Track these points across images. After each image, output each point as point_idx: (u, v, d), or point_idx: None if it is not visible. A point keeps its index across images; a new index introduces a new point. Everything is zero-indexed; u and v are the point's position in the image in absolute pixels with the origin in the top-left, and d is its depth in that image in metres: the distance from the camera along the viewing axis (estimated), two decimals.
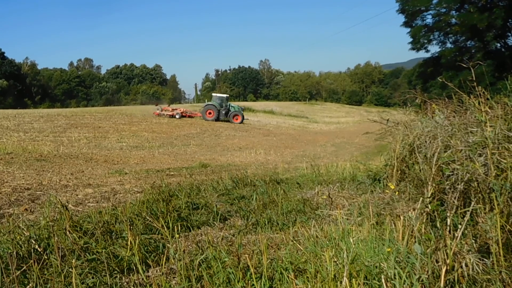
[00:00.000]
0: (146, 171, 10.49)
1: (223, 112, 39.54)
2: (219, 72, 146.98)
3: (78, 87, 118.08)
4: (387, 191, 5.06)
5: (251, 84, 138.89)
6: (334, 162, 11.76)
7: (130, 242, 3.30)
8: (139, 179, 8.84)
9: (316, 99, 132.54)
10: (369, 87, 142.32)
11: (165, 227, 3.64)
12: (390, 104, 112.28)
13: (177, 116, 38.16)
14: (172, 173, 10.48)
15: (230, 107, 40.53)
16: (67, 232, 3.60)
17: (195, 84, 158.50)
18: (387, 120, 6.18)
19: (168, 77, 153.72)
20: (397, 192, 4.71)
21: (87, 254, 3.29)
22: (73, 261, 2.96)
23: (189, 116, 39.65)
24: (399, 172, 5.26)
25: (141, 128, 27.30)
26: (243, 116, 40.77)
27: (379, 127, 6.54)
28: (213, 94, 43.64)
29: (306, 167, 9.34)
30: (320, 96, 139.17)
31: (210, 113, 38.95)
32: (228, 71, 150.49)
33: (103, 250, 3.30)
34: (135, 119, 32.66)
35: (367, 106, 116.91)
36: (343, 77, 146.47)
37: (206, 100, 60.12)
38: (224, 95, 43.18)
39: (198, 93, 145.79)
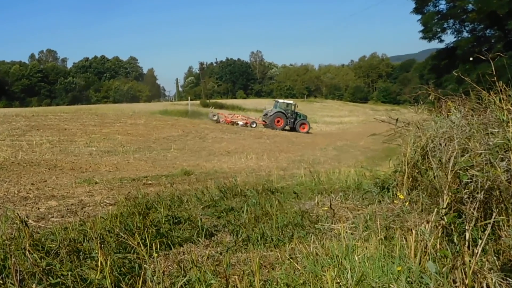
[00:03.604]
0: (119, 180, 10.41)
1: (291, 120, 41.47)
2: (204, 66, 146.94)
3: (40, 83, 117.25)
4: (396, 201, 5.08)
5: (240, 79, 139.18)
6: (336, 168, 11.78)
7: (101, 262, 3.27)
8: (112, 189, 8.76)
9: (315, 96, 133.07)
10: (375, 82, 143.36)
11: (141, 244, 3.60)
12: (400, 102, 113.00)
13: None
14: (150, 182, 10.41)
15: (297, 115, 42.33)
16: (27, 252, 3.55)
17: (177, 79, 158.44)
18: (396, 119, 6.21)
19: (145, 71, 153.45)
20: (408, 202, 4.72)
21: (50, 277, 3.25)
22: (34, 286, 2.92)
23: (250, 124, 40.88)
24: (411, 179, 5.28)
25: (114, 130, 27.11)
26: (309, 125, 42.68)
27: (387, 127, 6.57)
28: (278, 100, 45.74)
29: (304, 174, 9.34)
30: (319, 92, 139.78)
31: (278, 121, 40.85)
32: (215, 64, 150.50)
33: (69, 273, 3.26)
34: (107, 119, 32.41)
35: (373, 104, 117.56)
36: (346, 71, 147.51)
37: (189, 98, 60.45)
38: (291, 101, 45.25)
39: (180, 89, 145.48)
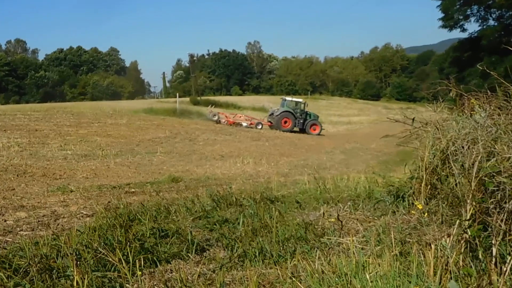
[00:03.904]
0: (98, 188, 10.41)
1: (301, 121, 41.90)
2: (195, 58, 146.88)
3: (7, 78, 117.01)
4: (413, 211, 5.08)
5: (236, 73, 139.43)
6: (345, 174, 11.80)
7: (77, 282, 3.26)
8: (89, 199, 8.76)
9: (321, 92, 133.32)
10: (388, 76, 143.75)
11: (123, 261, 3.59)
12: (416, 99, 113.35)
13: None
14: (132, 190, 10.42)
15: (307, 114, 42.76)
16: None
17: (163, 73, 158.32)
18: (413, 119, 6.22)
19: (127, 64, 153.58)
20: (426, 213, 4.73)
21: None
22: None
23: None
24: (429, 187, 5.29)
25: (92, 131, 27.07)
26: (321, 126, 43.02)
27: (402, 128, 6.58)
28: (286, 98, 45.90)
29: (308, 181, 9.34)
30: (325, 88, 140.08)
31: (286, 121, 41.25)
32: (207, 56, 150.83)
33: None
34: (84, 119, 32.40)
35: (386, 101, 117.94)
36: (355, 64, 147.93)
37: (177, 95, 60.32)
38: (300, 100, 45.60)
39: (167, 84, 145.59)
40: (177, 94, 62.56)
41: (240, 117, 42.31)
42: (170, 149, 22.98)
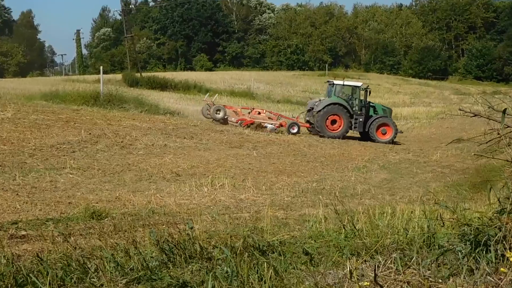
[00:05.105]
0: None
1: (360, 120, 40.03)
2: (131, 6, 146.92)
3: None
4: (503, 269, 5.10)
5: (202, 32, 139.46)
6: (387, 205, 11.82)
7: None
8: None
9: (347, 65, 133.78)
10: (463, 39, 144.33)
11: None
12: (510, 77, 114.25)
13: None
14: (23, 232, 10.36)
15: (370, 108, 41.09)
16: None
17: (77, 32, 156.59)
18: (503, 111, 6.25)
19: (15, 17, 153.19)
20: None
21: None
22: None
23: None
24: None
25: None
26: (395, 127, 40.92)
27: (484, 127, 6.62)
28: (334, 81, 42.95)
29: (324, 217, 9.35)
30: (355, 58, 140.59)
31: (334, 121, 39.30)
32: (152, 3, 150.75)
33: None
34: None
35: (458, 82, 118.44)
36: (406, 18, 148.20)
37: (101, 68, 60.02)
38: (359, 84, 43.06)
39: (85, 51, 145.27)
40: (101, 67, 62.25)
41: (259, 113, 40.46)
42: (88, 162, 22.93)
